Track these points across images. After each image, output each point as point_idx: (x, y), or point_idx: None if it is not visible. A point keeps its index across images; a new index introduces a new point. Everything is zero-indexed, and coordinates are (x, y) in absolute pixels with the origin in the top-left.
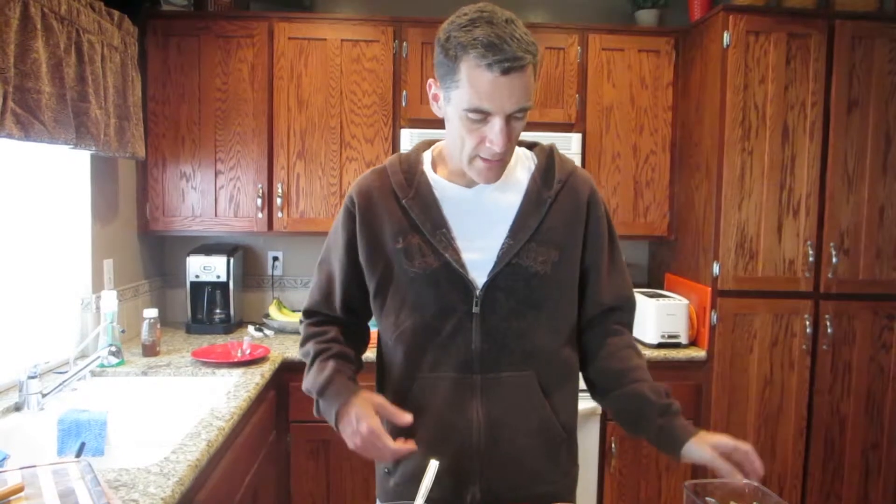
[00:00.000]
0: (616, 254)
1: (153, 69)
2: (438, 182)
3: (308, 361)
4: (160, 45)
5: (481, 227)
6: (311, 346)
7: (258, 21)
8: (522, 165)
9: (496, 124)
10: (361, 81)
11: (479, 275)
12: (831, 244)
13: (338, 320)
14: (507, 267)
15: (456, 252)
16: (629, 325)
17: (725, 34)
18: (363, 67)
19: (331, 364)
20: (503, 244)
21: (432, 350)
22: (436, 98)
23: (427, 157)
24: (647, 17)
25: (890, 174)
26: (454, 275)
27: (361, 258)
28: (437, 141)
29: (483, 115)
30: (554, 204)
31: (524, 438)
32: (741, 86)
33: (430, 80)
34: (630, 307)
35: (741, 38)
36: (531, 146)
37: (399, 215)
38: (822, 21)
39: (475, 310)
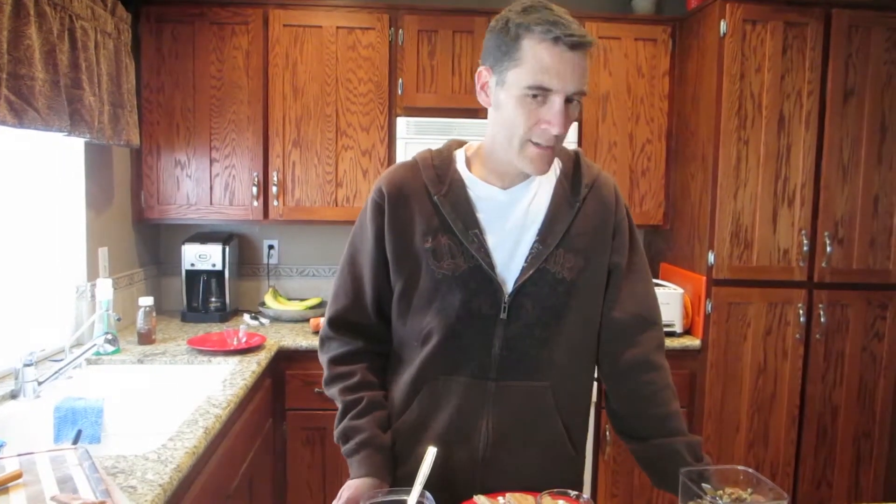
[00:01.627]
0: (638, 260)
1: (147, 56)
2: (473, 181)
3: (338, 413)
4: (154, 31)
5: (512, 230)
6: (338, 394)
7: (253, 8)
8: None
9: (555, 103)
10: (357, 69)
11: (506, 279)
12: (825, 233)
13: (367, 332)
14: (536, 272)
15: (487, 255)
16: (662, 347)
17: (722, 23)
18: (359, 55)
19: (362, 431)
20: (532, 248)
21: (452, 353)
22: (484, 87)
23: (460, 154)
24: (643, 5)
25: (885, 163)
26: (484, 278)
27: (389, 255)
28: (469, 141)
29: (543, 94)
30: (581, 208)
31: (529, 451)
32: (737, 75)
33: (480, 69)
34: (655, 322)
35: (738, 26)
36: None
37: (430, 212)
38: (819, 9)
39: (502, 315)
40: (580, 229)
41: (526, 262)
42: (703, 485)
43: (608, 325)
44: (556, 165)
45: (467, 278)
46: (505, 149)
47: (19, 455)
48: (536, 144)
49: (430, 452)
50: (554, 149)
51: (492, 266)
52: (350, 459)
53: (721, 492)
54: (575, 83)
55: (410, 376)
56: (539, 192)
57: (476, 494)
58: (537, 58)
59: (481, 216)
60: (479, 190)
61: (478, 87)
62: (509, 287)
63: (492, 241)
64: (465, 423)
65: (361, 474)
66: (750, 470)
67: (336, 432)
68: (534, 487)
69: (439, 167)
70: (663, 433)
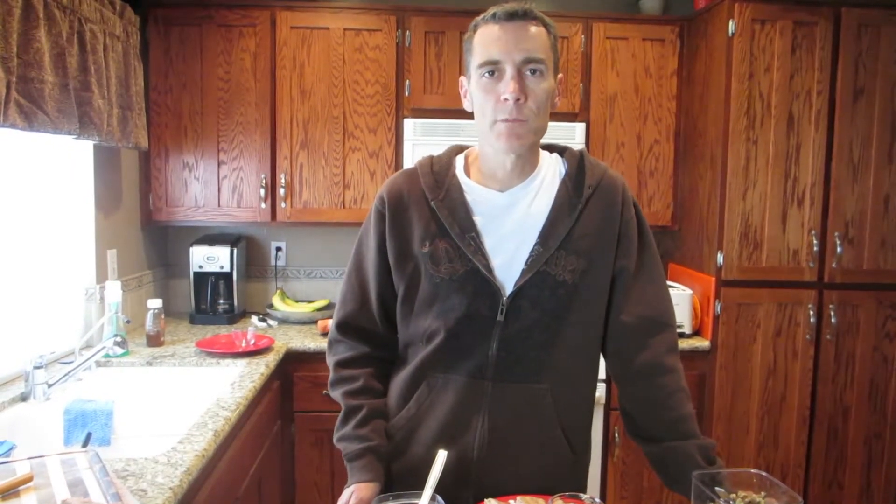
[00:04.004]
0: (649, 261)
1: (155, 59)
2: (470, 185)
3: (340, 416)
4: (162, 34)
5: (511, 232)
6: (341, 398)
7: (260, 10)
8: (553, 171)
9: (505, 73)
10: (364, 71)
11: (506, 282)
12: (836, 234)
13: (373, 337)
14: (536, 275)
15: (485, 257)
16: (675, 349)
17: (731, 22)
18: (366, 57)
19: (367, 439)
20: (532, 251)
21: (451, 352)
22: (465, 94)
23: (459, 160)
24: (651, 5)
25: (895, 163)
26: (482, 281)
27: (390, 260)
28: (469, 146)
29: (495, 69)
30: (584, 210)
31: (525, 452)
32: (746, 75)
33: (461, 79)
34: (666, 324)
35: (746, 26)
36: (562, 151)
37: (428, 217)
38: (829, 9)
39: (499, 317)
40: (583, 231)
41: (526, 264)
42: (717, 488)
43: (617, 328)
44: (562, 166)
45: (465, 281)
46: (486, 138)
47: (30, 458)
48: (503, 121)
49: (441, 456)
50: (525, 123)
51: (489, 269)
52: (353, 462)
53: (734, 495)
54: (520, 51)
55: (410, 372)
56: (541, 194)
57: (468, 494)
58: (482, 38)
59: (479, 219)
60: (477, 194)
61: (462, 97)
62: (508, 289)
63: (490, 243)
64: (460, 421)
65: (367, 479)
66: (763, 473)
67: (338, 434)
68: (529, 489)
69: (438, 173)
70: (676, 436)
